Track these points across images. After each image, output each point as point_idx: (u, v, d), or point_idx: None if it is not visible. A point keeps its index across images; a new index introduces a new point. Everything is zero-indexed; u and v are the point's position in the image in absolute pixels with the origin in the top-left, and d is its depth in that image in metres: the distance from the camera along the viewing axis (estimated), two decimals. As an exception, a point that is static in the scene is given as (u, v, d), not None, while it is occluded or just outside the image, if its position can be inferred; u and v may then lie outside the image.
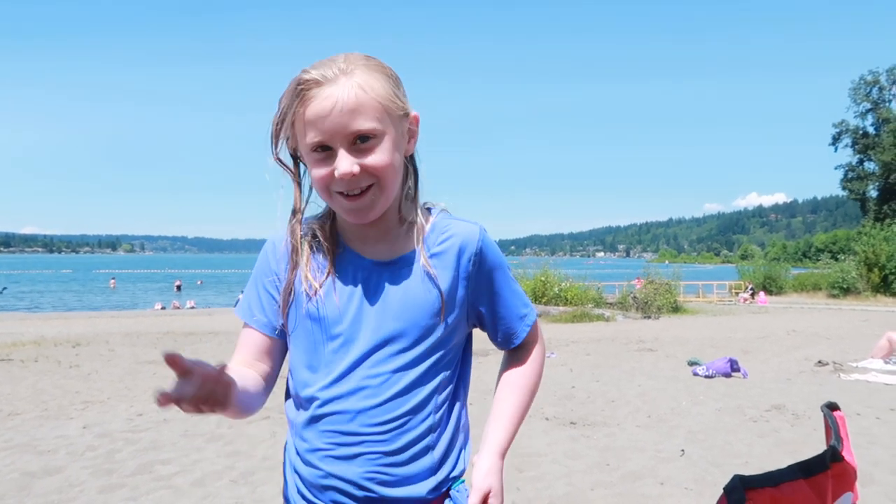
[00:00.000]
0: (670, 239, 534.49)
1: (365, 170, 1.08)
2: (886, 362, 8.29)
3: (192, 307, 29.65)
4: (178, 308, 29.37)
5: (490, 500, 1.16)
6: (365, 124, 1.07)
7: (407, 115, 1.15)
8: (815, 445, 4.30)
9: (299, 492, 1.19)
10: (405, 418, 1.14)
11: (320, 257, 1.19)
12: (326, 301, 1.16)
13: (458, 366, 1.24)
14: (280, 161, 1.18)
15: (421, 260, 1.17)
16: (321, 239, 1.19)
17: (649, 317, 19.63)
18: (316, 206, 1.24)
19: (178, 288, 46.39)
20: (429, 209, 1.24)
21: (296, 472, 1.20)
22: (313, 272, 1.18)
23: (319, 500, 1.16)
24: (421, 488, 1.15)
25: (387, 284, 1.16)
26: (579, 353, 10.26)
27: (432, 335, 1.16)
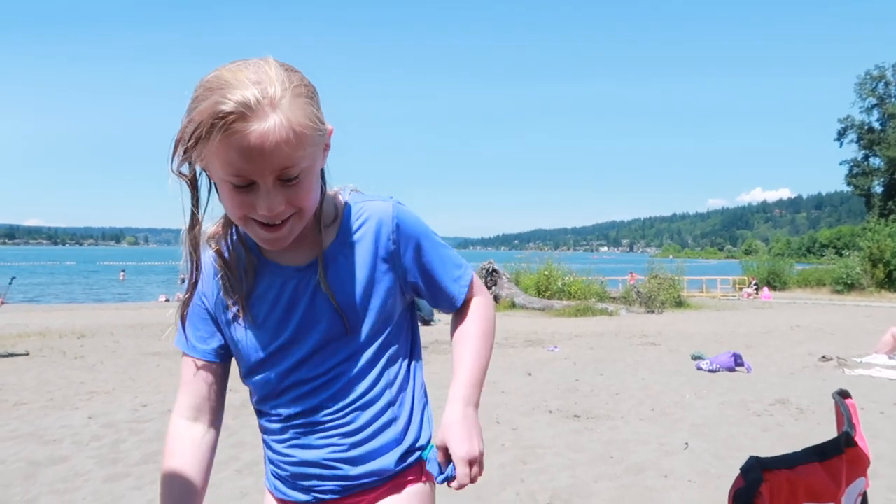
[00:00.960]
0: (674, 234, 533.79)
1: (290, 203, 1.04)
2: (890, 357, 8.27)
3: (196, 300, 29.64)
4: (182, 301, 29.37)
5: (457, 452, 1.11)
6: (294, 163, 1.00)
7: (324, 133, 1.08)
8: (819, 439, 4.28)
9: (279, 478, 1.23)
10: (362, 399, 1.17)
11: (240, 271, 1.18)
12: (259, 314, 1.17)
13: (406, 335, 1.26)
14: (180, 173, 1.06)
15: (342, 254, 1.16)
16: (236, 253, 1.18)
17: (653, 311, 19.60)
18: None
19: (183, 281, 46.24)
20: (338, 194, 1.21)
21: (271, 462, 1.24)
22: (237, 287, 1.17)
23: (298, 485, 1.20)
24: (388, 460, 1.18)
25: (312, 287, 1.16)
26: (583, 347, 10.27)
27: (368, 321, 1.17)
